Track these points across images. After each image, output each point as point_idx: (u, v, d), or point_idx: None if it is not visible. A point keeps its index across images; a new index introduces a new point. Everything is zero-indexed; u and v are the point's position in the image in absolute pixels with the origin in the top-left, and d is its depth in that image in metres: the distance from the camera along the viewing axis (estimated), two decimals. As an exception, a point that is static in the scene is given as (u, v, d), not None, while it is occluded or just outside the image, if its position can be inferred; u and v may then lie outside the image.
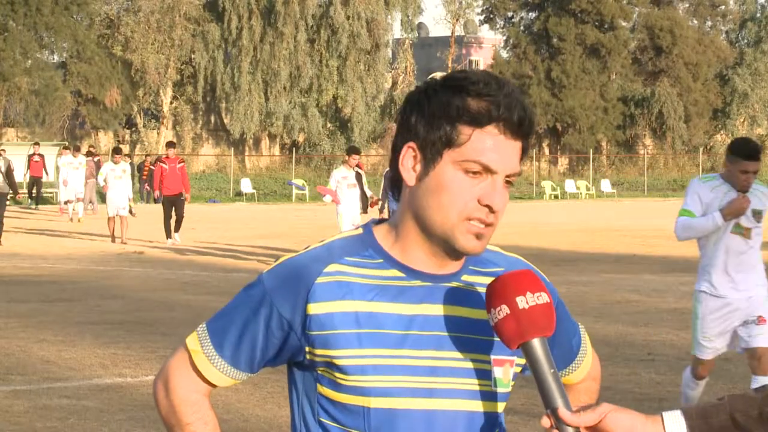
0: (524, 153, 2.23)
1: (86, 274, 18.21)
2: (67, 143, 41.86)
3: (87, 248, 23.27)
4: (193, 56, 57.62)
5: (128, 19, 56.16)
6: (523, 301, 2.13)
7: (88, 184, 34.45)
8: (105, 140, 57.15)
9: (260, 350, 2.26)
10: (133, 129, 58.10)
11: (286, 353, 2.27)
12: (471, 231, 2.18)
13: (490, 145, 2.17)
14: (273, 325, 2.24)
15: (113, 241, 24.23)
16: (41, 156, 39.00)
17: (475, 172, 2.17)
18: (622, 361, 10.44)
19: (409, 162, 2.22)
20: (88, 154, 38.10)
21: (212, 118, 60.14)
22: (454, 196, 2.17)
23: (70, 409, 8.57)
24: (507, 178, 2.19)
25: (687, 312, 13.87)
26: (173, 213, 24.07)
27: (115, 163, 25.44)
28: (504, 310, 2.14)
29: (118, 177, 24.96)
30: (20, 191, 27.12)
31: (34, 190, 39.57)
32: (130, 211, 25.21)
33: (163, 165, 24.52)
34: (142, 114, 58.35)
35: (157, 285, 16.83)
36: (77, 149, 37.48)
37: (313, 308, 2.21)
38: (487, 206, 2.17)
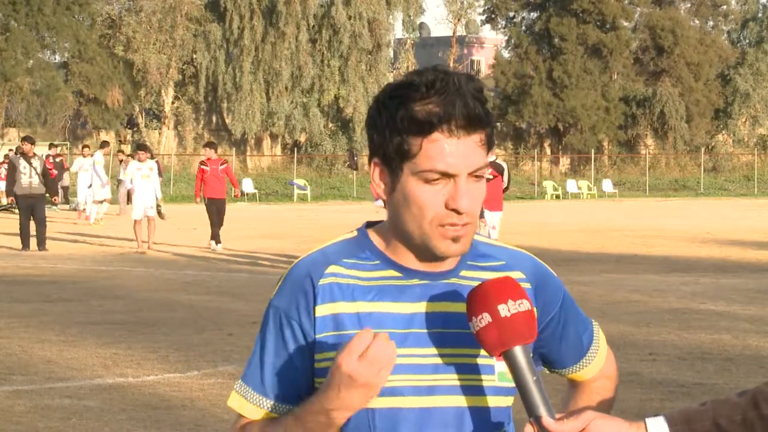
0: (489, 140, 2.20)
1: (88, 274, 18.20)
2: (86, 143, 41.18)
3: (88, 248, 23.26)
4: (194, 56, 57.64)
5: (130, 19, 56.19)
6: (504, 309, 2.12)
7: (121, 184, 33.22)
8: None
9: (300, 373, 2.25)
10: (135, 129, 58.13)
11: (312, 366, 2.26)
12: (447, 236, 2.18)
13: (442, 150, 2.15)
14: (299, 341, 2.24)
15: (139, 246, 22.17)
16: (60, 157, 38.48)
17: (435, 179, 2.16)
18: (623, 361, 10.43)
19: (377, 177, 2.23)
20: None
21: (214, 118, 60.17)
22: (422, 207, 2.17)
23: (71, 409, 8.57)
24: (474, 173, 2.18)
25: (688, 312, 13.88)
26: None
27: (140, 161, 23.31)
28: (486, 318, 2.13)
29: (145, 176, 22.95)
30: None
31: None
32: (160, 213, 23.16)
33: (204, 167, 22.75)
34: (143, 114, 58.40)
35: (159, 285, 16.83)
36: (104, 146, 35.27)
37: (319, 310, 2.22)
38: (454, 210, 2.16)
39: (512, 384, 2.27)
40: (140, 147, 24.16)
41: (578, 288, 15.59)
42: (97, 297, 15.20)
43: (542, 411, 2.13)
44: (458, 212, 2.16)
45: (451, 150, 2.15)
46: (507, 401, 2.29)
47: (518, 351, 2.14)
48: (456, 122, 2.14)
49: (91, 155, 34.55)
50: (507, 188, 19.36)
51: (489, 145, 2.20)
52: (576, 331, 2.40)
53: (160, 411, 8.49)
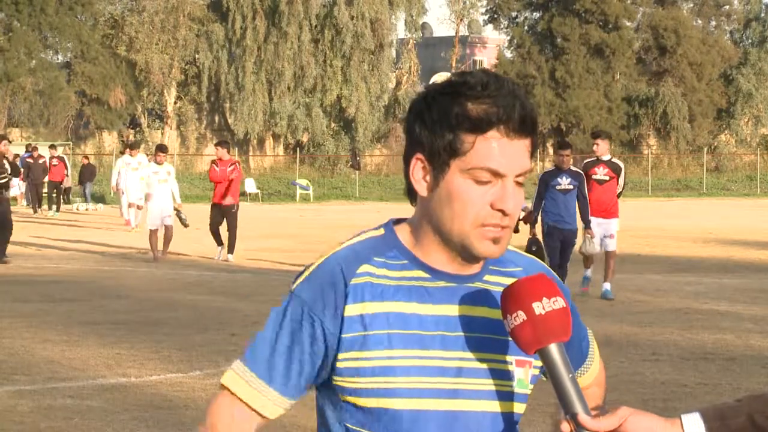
0: (533, 148, 2.21)
1: (90, 274, 18.21)
2: (123, 144, 40.76)
3: (90, 248, 23.27)
4: (197, 56, 57.66)
5: (132, 19, 56.21)
6: (539, 307, 2.13)
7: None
8: (109, 140, 57.20)
9: (308, 371, 2.23)
10: (138, 129, 58.15)
11: (324, 366, 2.24)
12: (487, 237, 2.17)
13: (494, 149, 2.15)
14: (318, 339, 2.21)
15: (155, 258, 20.39)
16: (60, 159, 37.53)
17: (484, 179, 2.16)
18: (626, 361, 10.43)
19: (419, 173, 2.21)
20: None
21: (216, 118, 60.18)
22: (467, 205, 2.16)
23: (74, 409, 8.57)
24: (517, 178, 2.18)
25: (691, 312, 13.87)
26: (225, 224, 20.56)
27: (159, 163, 21.29)
28: (521, 316, 2.13)
29: (163, 180, 21.01)
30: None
31: (53, 195, 36.77)
32: (181, 220, 21.09)
33: (215, 167, 20.68)
34: (146, 114, 58.42)
35: (161, 285, 16.83)
36: (133, 147, 33.38)
37: (350, 309, 2.20)
38: (501, 210, 2.16)
39: (527, 391, 2.28)
40: (159, 148, 21.79)
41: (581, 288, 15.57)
42: (99, 297, 15.20)
43: (578, 408, 2.13)
44: (504, 213, 2.16)
45: (504, 150, 2.16)
46: (522, 408, 2.30)
47: (553, 348, 2.14)
48: (513, 123, 2.15)
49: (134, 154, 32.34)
50: (620, 194, 15.72)
51: (532, 152, 2.21)
52: (578, 339, 2.41)
53: (163, 411, 8.49)
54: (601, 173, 15.37)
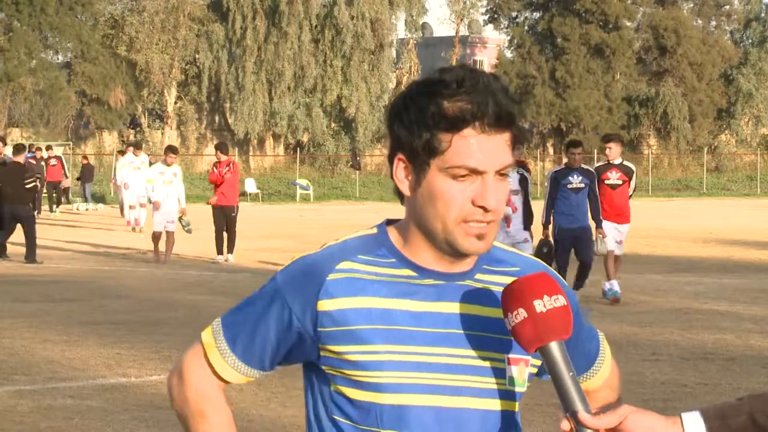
0: (516, 140, 2.21)
1: (90, 274, 18.21)
2: (127, 144, 39.98)
3: (91, 248, 23.27)
4: (197, 56, 57.66)
5: (132, 19, 56.22)
6: (540, 305, 2.13)
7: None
8: (109, 140, 57.19)
9: (272, 347, 2.27)
10: (138, 129, 58.15)
11: (299, 351, 2.27)
12: (471, 233, 2.18)
13: (472, 147, 2.15)
14: (284, 322, 2.25)
15: (157, 260, 20.22)
16: (58, 159, 37.41)
17: (463, 176, 2.16)
18: (626, 362, 10.43)
19: (401, 173, 2.23)
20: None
21: (216, 118, 60.18)
22: (448, 203, 2.17)
23: (74, 409, 8.57)
24: (499, 171, 2.18)
25: (691, 312, 13.88)
26: (226, 227, 20.50)
27: (167, 164, 20.81)
28: (521, 313, 2.13)
29: (168, 182, 20.57)
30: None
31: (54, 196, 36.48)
32: (183, 225, 20.81)
33: (214, 170, 20.63)
34: (146, 114, 58.42)
35: (162, 285, 16.83)
36: (138, 146, 32.95)
37: (325, 305, 2.22)
38: (482, 207, 2.16)
39: (522, 389, 2.28)
40: (170, 149, 21.31)
41: (581, 288, 15.58)
42: (99, 297, 15.20)
43: (579, 406, 2.13)
44: (485, 209, 2.16)
45: (482, 147, 2.16)
46: (515, 406, 2.29)
47: (554, 346, 2.14)
48: (488, 119, 2.16)
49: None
50: (630, 196, 15.71)
51: (515, 144, 2.21)
52: (584, 341, 2.41)
53: (163, 411, 8.49)
54: (614, 177, 15.10)
